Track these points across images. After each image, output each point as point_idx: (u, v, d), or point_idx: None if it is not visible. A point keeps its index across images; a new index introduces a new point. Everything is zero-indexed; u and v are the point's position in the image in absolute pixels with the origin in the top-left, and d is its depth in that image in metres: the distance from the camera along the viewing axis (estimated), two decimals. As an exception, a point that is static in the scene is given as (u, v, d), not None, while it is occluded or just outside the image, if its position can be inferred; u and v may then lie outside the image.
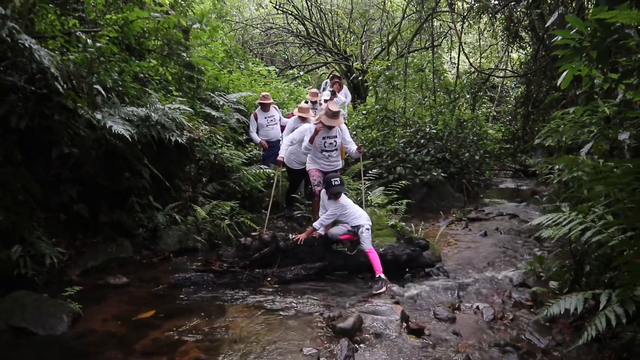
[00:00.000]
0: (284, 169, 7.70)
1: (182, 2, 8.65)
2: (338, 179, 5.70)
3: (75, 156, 5.56)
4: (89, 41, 6.16)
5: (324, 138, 6.52)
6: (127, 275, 5.57)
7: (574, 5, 8.60)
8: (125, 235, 6.28)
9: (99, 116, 5.36)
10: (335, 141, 6.60)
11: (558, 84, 4.61)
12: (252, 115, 9.07)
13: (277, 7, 16.12)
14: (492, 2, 13.91)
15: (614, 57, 4.15)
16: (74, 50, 6.08)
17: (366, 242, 5.48)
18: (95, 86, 5.69)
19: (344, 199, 5.75)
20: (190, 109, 6.96)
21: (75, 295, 4.58)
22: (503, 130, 14.90)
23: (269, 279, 5.43)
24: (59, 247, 5.42)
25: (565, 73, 4.37)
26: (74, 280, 5.38)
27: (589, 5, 9.59)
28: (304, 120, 7.74)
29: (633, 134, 4.47)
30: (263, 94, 9.16)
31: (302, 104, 8.28)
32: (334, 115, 6.30)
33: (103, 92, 5.75)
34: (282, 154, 7.02)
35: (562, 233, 3.60)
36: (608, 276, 3.50)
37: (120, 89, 6.43)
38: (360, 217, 5.65)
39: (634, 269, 2.87)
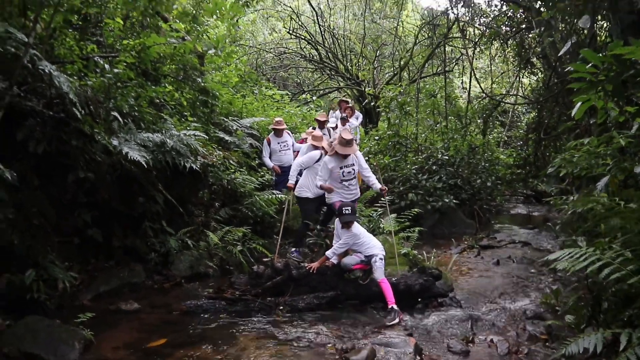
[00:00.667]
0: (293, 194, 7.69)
1: (198, 28, 8.80)
2: (350, 207, 5.68)
3: (90, 181, 5.61)
4: (107, 66, 6.28)
5: (341, 168, 6.47)
6: (138, 300, 5.56)
7: (585, 33, 8.61)
8: (137, 260, 6.29)
9: (115, 142, 5.42)
10: (353, 169, 6.57)
11: (572, 114, 4.62)
12: (265, 140, 9.12)
13: (290, 32, 16.31)
14: (504, 29, 14.01)
15: (630, 91, 4.16)
16: (92, 76, 6.19)
17: (378, 272, 5.45)
18: (112, 112, 5.76)
19: (357, 228, 5.72)
20: (204, 135, 7.02)
21: (87, 321, 4.57)
22: (514, 155, 14.86)
23: (281, 307, 5.40)
24: (71, 272, 5.45)
25: (579, 104, 4.38)
26: (85, 304, 5.39)
27: (601, 34, 9.63)
28: (317, 148, 7.76)
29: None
30: (276, 119, 9.22)
31: (317, 132, 8.29)
32: (347, 143, 6.29)
33: (119, 118, 5.83)
34: (292, 180, 7.01)
35: (579, 268, 3.55)
36: (627, 314, 3.44)
37: (136, 114, 6.51)
38: (374, 246, 5.62)
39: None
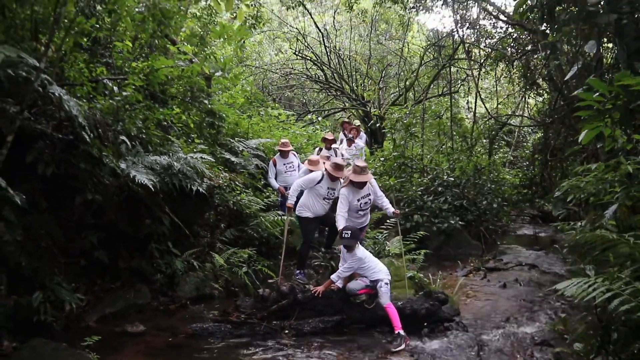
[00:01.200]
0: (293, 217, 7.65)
1: (205, 50, 8.92)
2: (350, 231, 5.63)
3: (98, 203, 5.65)
4: (115, 89, 6.36)
5: (358, 200, 6.42)
6: (144, 322, 5.55)
7: (592, 56, 8.66)
8: (143, 281, 6.29)
9: (123, 165, 5.46)
10: (370, 199, 6.53)
11: (579, 140, 4.63)
12: (271, 161, 9.16)
13: (296, 52, 16.47)
14: (509, 50, 14.10)
15: (638, 120, 4.17)
16: (100, 98, 6.26)
17: (384, 297, 5.41)
18: (120, 135, 5.82)
19: (361, 251, 5.69)
20: (211, 158, 7.05)
21: (93, 344, 4.56)
22: (520, 175, 14.84)
23: (286, 331, 5.37)
24: (78, 293, 5.46)
25: (586, 131, 4.39)
26: (91, 326, 5.39)
27: (608, 56, 9.67)
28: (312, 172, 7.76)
29: (657, 193, 4.44)
30: (282, 140, 9.26)
31: (313, 157, 8.28)
32: (362, 171, 6.23)
33: (127, 141, 5.88)
34: (292, 200, 6.94)
35: (588, 298, 3.53)
36: (637, 346, 3.41)
37: (144, 136, 6.57)
38: (380, 271, 5.59)
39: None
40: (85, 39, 6.79)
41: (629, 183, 4.95)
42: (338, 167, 6.91)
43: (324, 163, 7.57)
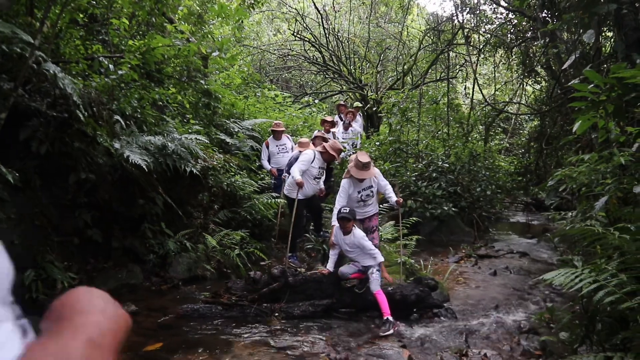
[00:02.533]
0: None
1: (203, 29, 8.83)
2: (348, 208, 5.62)
3: (91, 182, 5.64)
4: (111, 67, 6.31)
5: (359, 192, 6.27)
6: (136, 302, 5.58)
7: (591, 46, 8.64)
8: (135, 261, 6.32)
9: (117, 145, 5.45)
10: (372, 191, 6.38)
11: (574, 130, 4.64)
12: (264, 143, 9.14)
13: (294, 34, 16.33)
14: (509, 37, 14.03)
15: (631, 112, 4.18)
16: (96, 77, 6.21)
17: (374, 283, 5.45)
18: (115, 116, 5.79)
19: (358, 235, 5.67)
20: (206, 139, 7.03)
21: (84, 323, 4.59)
22: (515, 162, 14.88)
23: (276, 314, 5.42)
24: (70, 272, 5.48)
25: (580, 122, 4.40)
26: (83, 305, 5.41)
27: (607, 45, 9.64)
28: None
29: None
30: (275, 122, 9.24)
31: (303, 139, 8.31)
32: (364, 166, 6.05)
33: (122, 121, 5.85)
34: (299, 177, 6.78)
35: (575, 288, 3.57)
36: (621, 337, 3.46)
37: (139, 116, 6.54)
38: (372, 257, 5.62)
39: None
40: (81, 15, 6.73)
41: (620, 175, 4.98)
42: (340, 152, 6.98)
43: (321, 142, 7.55)
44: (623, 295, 3.24)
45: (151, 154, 5.80)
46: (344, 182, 6.32)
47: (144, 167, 5.44)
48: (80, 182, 5.60)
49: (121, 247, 6.21)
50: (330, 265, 5.78)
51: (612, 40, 8.59)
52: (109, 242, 6.10)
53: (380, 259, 5.56)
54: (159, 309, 5.54)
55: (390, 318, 5.17)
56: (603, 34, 8.98)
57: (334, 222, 5.79)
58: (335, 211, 5.89)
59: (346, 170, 6.40)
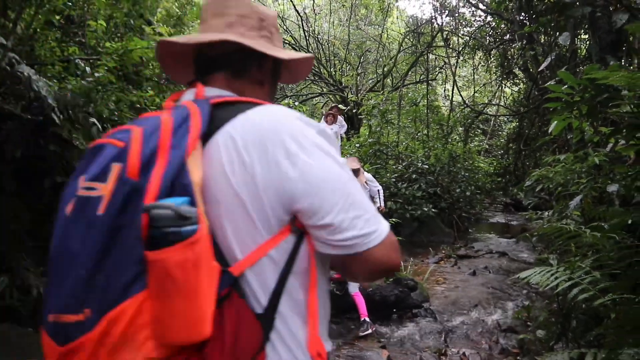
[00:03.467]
0: None
1: (184, 31, 8.78)
2: None
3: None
4: (88, 69, 6.22)
5: None
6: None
7: (567, 49, 8.78)
8: (114, 265, 6.24)
9: (93, 148, 5.37)
10: None
11: (549, 130, 4.71)
12: None
13: (275, 35, 16.29)
14: (487, 39, 14.21)
15: (603, 113, 4.26)
16: (72, 79, 6.12)
17: (352, 285, 5.42)
18: (91, 119, 5.72)
19: None
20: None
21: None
22: (495, 163, 15.05)
23: (256, 317, 5.39)
24: (46, 277, 5.39)
25: (556, 122, 4.47)
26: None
27: (582, 48, 9.82)
28: None
29: (622, 185, 4.56)
30: None
31: None
32: (353, 174, 6.03)
33: (98, 124, 5.78)
34: None
35: (551, 286, 3.63)
36: (594, 333, 3.52)
37: (116, 119, 6.46)
38: None
39: (619, 333, 2.90)
40: (57, 17, 6.63)
41: (595, 174, 5.07)
42: None
43: None
44: (597, 292, 3.30)
45: (129, 157, 5.73)
46: None
47: (121, 170, 5.37)
48: (57, 186, 5.52)
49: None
50: None
51: (587, 42, 8.75)
52: (86, 246, 6.01)
53: None
54: (137, 314, 5.48)
55: (367, 319, 5.16)
56: (579, 36, 9.14)
57: None
58: None
59: None
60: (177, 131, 0.98)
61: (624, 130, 3.88)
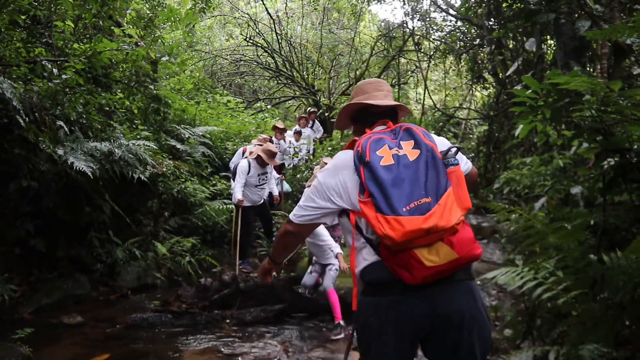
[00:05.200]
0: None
1: (152, 33, 8.69)
2: None
3: (34, 189, 5.46)
4: (55, 71, 6.11)
5: None
6: (82, 313, 5.43)
7: (533, 54, 8.97)
8: (82, 271, 6.14)
9: (60, 151, 5.29)
10: None
11: (516, 134, 4.82)
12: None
13: (247, 39, 16.24)
14: (458, 44, 14.41)
15: (566, 117, 4.37)
16: (38, 81, 6.01)
17: (328, 280, 5.34)
18: (58, 121, 5.62)
19: (323, 229, 5.42)
20: (154, 145, 6.90)
21: (26, 336, 4.42)
22: (466, 166, 15.22)
23: (228, 320, 5.37)
24: (11, 284, 5.28)
25: (522, 126, 4.57)
26: (26, 318, 5.23)
27: (549, 53, 10.04)
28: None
29: (585, 187, 4.69)
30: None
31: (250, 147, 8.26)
32: None
33: (65, 127, 5.69)
34: (239, 195, 6.87)
35: (517, 286, 3.70)
36: (558, 331, 3.61)
37: (84, 121, 6.36)
38: (333, 256, 5.43)
39: (580, 329, 2.98)
40: (23, 17, 6.50)
41: (560, 176, 5.20)
42: (271, 154, 6.92)
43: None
44: (560, 291, 3.38)
45: (97, 161, 5.65)
46: (308, 190, 6.22)
47: (90, 174, 5.29)
48: (23, 190, 5.41)
49: (67, 257, 6.02)
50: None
51: (554, 48, 8.96)
52: (54, 251, 5.90)
53: (338, 249, 5.45)
54: (106, 320, 5.41)
55: (342, 322, 5.17)
56: (545, 42, 9.35)
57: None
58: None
59: (311, 178, 6.35)
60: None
61: (585, 134, 3.99)
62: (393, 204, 1.81)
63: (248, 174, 6.90)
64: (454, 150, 2.03)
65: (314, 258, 5.66)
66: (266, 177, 7.19)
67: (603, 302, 3.01)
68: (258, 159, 6.92)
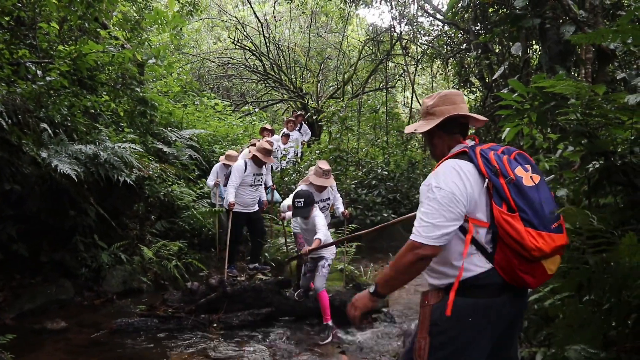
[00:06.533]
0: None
1: (139, 36, 8.62)
2: (302, 199, 5.09)
3: (17, 193, 5.38)
4: (39, 73, 6.04)
5: (317, 203, 5.88)
6: (66, 319, 5.35)
7: (519, 58, 9.04)
8: (66, 276, 6.06)
9: (44, 154, 5.22)
10: (328, 204, 6.29)
11: (502, 137, 4.84)
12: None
13: (235, 42, 16.21)
14: (445, 48, 14.50)
15: (552, 120, 4.40)
16: (22, 83, 5.93)
17: (321, 280, 5.26)
18: (42, 124, 5.55)
19: (318, 211, 5.31)
20: (140, 148, 6.84)
21: (8, 342, 4.35)
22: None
23: (215, 325, 5.32)
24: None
25: (508, 129, 4.59)
26: (8, 324, 5.14)
27: (535, 58, 10.13)
28: (229, 167, 7.77)
29: (570, 189, 4.72)
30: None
31: (230, 152, 8.23)
32: (324, 174, 5.84)
33: (49, 130, 5.62)
34: (231, 198, 6.79)
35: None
36: (545, 333, 3.62)
37: (69, 124, 6.29)
38: (328, 249, 5.34)
39: (567, 331, 2.99)
40: (6, 18, 6.41)
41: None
42: (267, 152, 6.86)
43: (249, 151, 7.38)
44: (547, 293, 3.40)
45: (82, 164, 5.59)
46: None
47: (74, 177, 5.23)
48: (5, 193, 5.33)
49: (50, 261, 5.94)
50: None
51: (539, 52, 9.03)
52: (37, 256, 5.82)
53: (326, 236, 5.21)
54: (91, 325, 5.34)
55: (330, 323, 5.13)
56: (531, 46, 9.43)
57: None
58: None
59: (303, 179, 6.30)
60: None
61: (571, 137, 4.02)
62: (544, 222, 2.05)
63: (244, 172, 6.82)
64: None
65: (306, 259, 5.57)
66: (261, 178, 7.11)
67: (589, 304, 3.02)
68: (254, 158, 6.84)
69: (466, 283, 2.11)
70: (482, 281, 2.11)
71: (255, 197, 7.09)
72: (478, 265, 2.12)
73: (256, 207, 7.18)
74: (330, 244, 5.09)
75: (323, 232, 5.08)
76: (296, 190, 5.43)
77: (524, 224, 2.02)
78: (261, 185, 7.21)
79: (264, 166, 7.04)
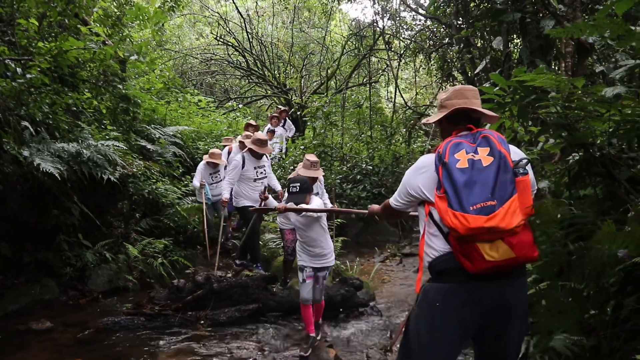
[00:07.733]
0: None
1: (120, 32, 8.53)
2: (297, 184, 4.73)
3: (-2, 192, 5.32)
4: (19, 70, 5.96)
5: None
6: (51, 318, 5.31)
7: (501, 52, 9.13)
8: (50, 275, 6.01)
9: (26, 153, 5.17)
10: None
11: (485, 131, 4.90)
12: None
13: (217, 38, 16.12)
14: (427, 42, 14.57)
15: (533, 113, 4.47)
16: (1, 80, 5.85)
17: (318, 292, 5.00)
18: (23, 122, 5.49)
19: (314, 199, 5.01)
20: (123, 146, 6.79)
21: (-8, 343, 4.32)
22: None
23: (202, 322, 5.32)
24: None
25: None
26: (-9, 325, 5.09)
27: (516, 52, 10.23)
28: (215, 166, 7.70)
29: (551, 181, 4.80)
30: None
31: (214, 150, 8.17)
32: (312, 165, 5.66)
33: (31, 128, 5.56)
34: (226, 195, 6.69)
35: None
36: (529, 322, 3.68)
37: (51, 122, 6.22)
38: (328, 257, 5.05)
39: (547, 317, 3.06)
40: (-17, 15, 6.32)
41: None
42: (262, 142, 6.72)
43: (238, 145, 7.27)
44: (530, 283, 3.46)
45: (65, 162, 5.54)
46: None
47: (57, 175, 5.19)
48: (-14, 193, 5.27)
49: (34, 261, 5.89)
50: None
51: (520, 46, 9.13)
52: (20, 256, 5.76)
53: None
54: (77, 324, 5.30)
55: (313, 334, 4.86)
56: (512, 40, 9.52)
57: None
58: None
59: (294, 172, 6.26)
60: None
61: (551, 130, 4.09)
62: (462, 202, 2.15)
63: (243, 168, 6.72)
64: (525, 161, 2.27)
65: (301, 263, 5.09)
66: (264, 170, 6.91)
67: (568, 292, 3.09)
68: (251, 151, 6.75)
69: (435, 268, 2.37)
70: (443, 265, 2.33)
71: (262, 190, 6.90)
72: (437, 249, 2.37)
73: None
74: (316, 210, 4.80)
75: (316, 203, 4.93)
76: (291, 176, 5.35)
77: (447, 204, 2.20)
78: (266, 177, 6.97)
79: (264, 157, 6.90)
